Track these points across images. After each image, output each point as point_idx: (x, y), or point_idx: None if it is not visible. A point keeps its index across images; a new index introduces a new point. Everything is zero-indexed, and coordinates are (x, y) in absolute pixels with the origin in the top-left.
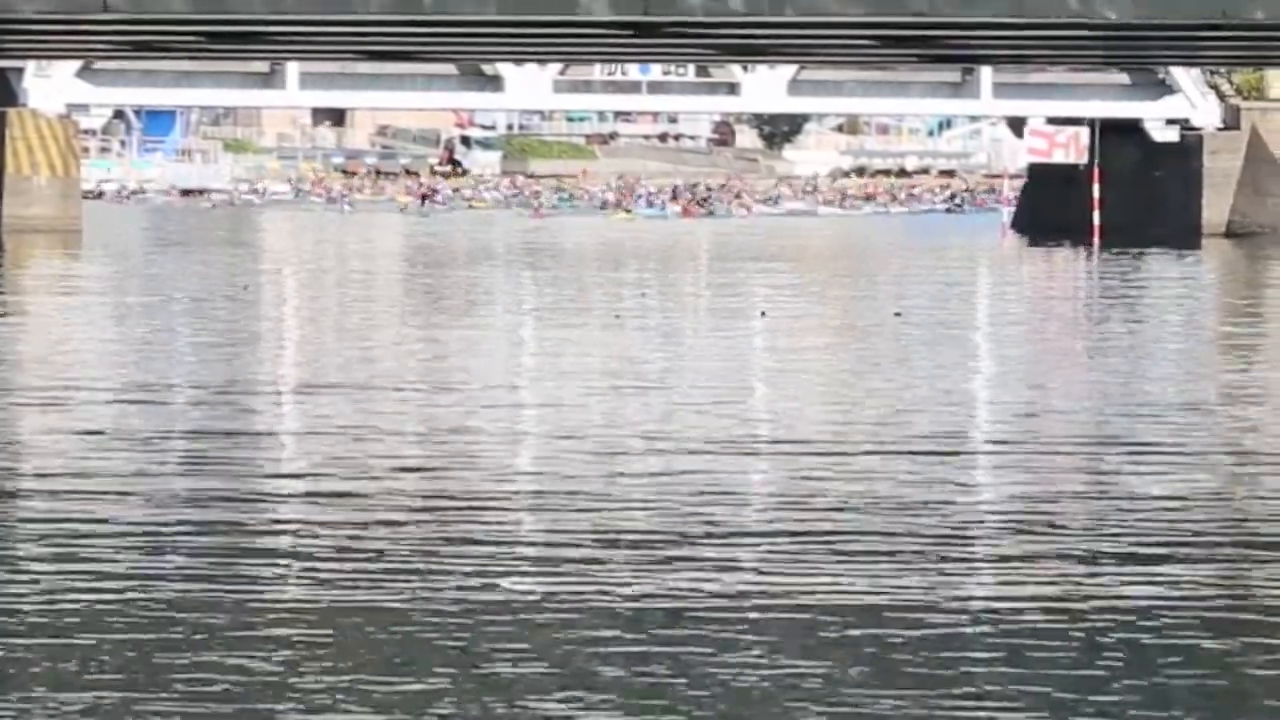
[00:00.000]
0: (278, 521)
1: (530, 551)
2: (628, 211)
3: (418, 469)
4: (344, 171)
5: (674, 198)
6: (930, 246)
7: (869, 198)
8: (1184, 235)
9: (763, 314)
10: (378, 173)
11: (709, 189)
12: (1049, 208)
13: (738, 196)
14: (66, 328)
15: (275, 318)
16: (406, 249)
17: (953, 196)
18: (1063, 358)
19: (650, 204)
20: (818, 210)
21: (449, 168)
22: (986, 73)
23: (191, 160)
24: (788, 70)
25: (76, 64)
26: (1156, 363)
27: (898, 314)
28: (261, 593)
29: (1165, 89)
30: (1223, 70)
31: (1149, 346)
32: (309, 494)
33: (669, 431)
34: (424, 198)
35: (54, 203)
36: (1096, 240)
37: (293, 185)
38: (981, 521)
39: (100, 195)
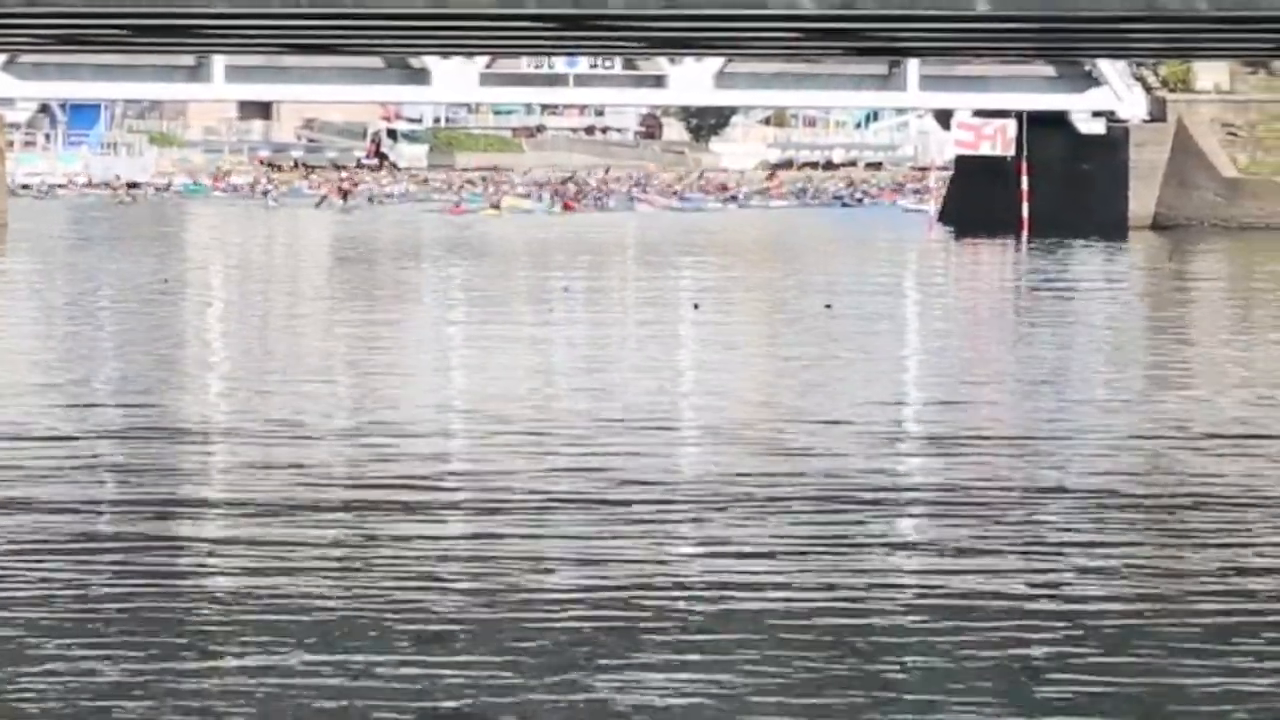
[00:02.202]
0: (200, 539)
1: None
2: (495, 208)
3: (346, 490)
4: (271, 165)
5: (555, 193)
6: (856, 241)
7: (764, 192)
8: (1111, 228)
9: (696, 306)
10: (304, 165)
11: (586, 183)
12: (976, 200)
13: (644, 190)
14: None
15: (197, 313)
16: (330, 244)
17: (850, 190)
18: (989, 353)
19: (528, 196)
20: (704, 205)
21: (375, 161)
22: (913, 65)
23: (117, 154)
24: (715, 63)
25: (0, 58)
26: (1085, 386)
27: (828, 306)
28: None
29: (1091, 81)
30: (1149, 62)
31: (1079, 369)
32: (230, 513)
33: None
34: (344, 194)
35: None
36: (1025, 233)
37: (192, 178)
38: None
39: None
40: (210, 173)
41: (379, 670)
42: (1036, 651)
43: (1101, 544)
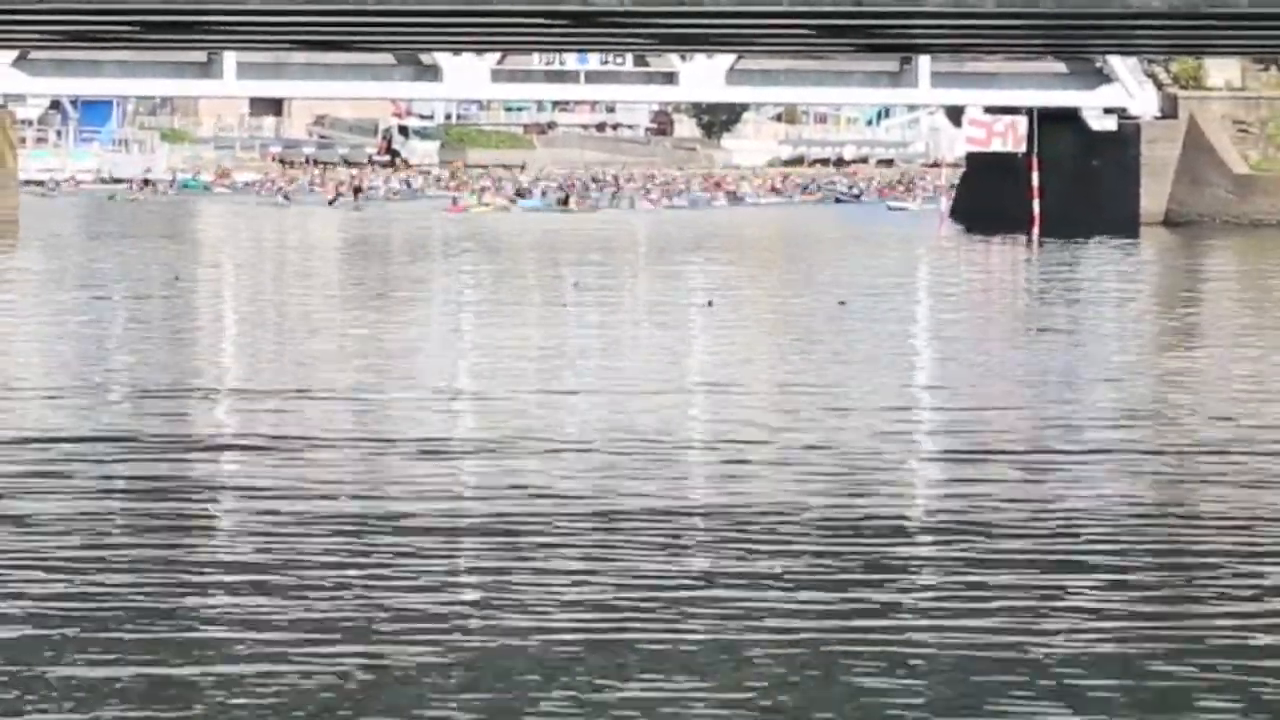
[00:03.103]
0: (209, 540)
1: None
2: (484, 205)
3: (351, 482)
4: (283, 162)
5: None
6: (865, 238)
7: (774, 190)
8: (1122, 224)
9: (709, 304)
10: (316, 162)
11: (594, 180)
12: (987, 197)
13: (645, 189)
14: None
15: (211, 310)
16: (342, 242)
17: (850, 188)
18: (1004, 350)
19: (524, 195)
20: (711, 203)
21: (387, 158)
22: (924, 62)
23: (128, 150)
24: (726, 60)
25: (12, 54)
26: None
27: (842, 303)
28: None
29: (1103, 78)
30: (1160, 59)
31: (1091, 374)
32: (238, 509)
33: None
34: (356, 191)
35: None
36: (1036, 230)
37: (192, 174)
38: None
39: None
40: (216, 170)
41: (381, 680)
42: (1041, 677)
43: (1110, 561)
